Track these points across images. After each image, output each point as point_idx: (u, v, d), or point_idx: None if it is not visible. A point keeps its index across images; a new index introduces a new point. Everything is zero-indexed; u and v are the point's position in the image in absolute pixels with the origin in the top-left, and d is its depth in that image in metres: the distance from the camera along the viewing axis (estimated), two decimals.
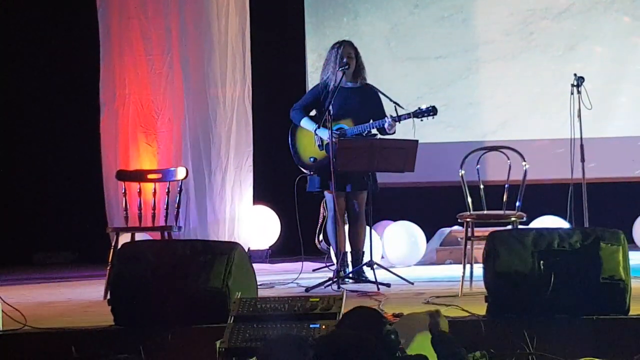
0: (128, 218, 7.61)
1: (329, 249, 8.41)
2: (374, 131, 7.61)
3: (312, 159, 7.69)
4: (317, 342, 4.54)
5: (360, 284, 7.44)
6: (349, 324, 4.76)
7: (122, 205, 7.73)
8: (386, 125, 7.50)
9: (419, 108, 7.53)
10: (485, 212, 7.08)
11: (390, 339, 4.63)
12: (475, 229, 7.03)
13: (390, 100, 7.57)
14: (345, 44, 7.69)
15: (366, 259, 7.54)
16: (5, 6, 10.39)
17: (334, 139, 7.36)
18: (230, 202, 9.34)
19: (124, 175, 7.92)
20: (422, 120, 7.55)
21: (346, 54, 7.61)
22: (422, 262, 9.29)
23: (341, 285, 7.20)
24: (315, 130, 7.64)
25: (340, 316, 5.01)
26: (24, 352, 5.47)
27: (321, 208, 8.34)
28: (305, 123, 7.72)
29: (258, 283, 5.98)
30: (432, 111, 7.53)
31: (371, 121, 7.57)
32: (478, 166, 7.19)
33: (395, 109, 7.52)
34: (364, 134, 7.57)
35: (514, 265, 5.33)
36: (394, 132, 7.59)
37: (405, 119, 7.50)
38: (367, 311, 4.91)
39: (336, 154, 7.20)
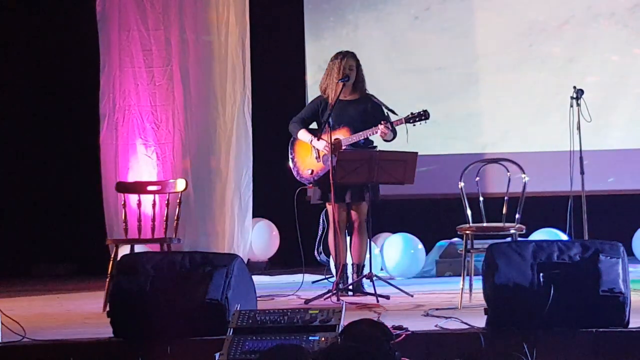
0: (127, 230, 7.61)
1: (329, 261, 8.41)
2: (372, 138, 7.60)
3: (309, 171, 7.70)
4: (319, 354, 4.54)
5: (359, 296, 7.43)
6: (353, 335, 4.76)
7: (121, 217, 7.73)
8: (379, 133, 7.49)
9: (411, 113, 7.52)
10: (484, 224, 7.08)
11: (393, 355, 4.63)
12: (475, 241, 7.02)
13: (385, 107, 7.57)
14: (348, 55, 7.69)
15: (365, 271, 7.54)
16: (5, 17, 10.41)
17: (329, 150, 7.40)
18: (230, 213, 9.35)
19: (124, 187, 7.92)
20: (414, 125, 7.51)
21: (347, 67, 7.62)
22: (421, 274, 9.29)
23: (340, 298, 7.19)
24: (311, 142, 7.66)
25: (341, 327, 5.01)
26: None
27: (320, 220, 8.34)
28: (302, 135, 7.74)
29: (257, 295, 5.98)
30: (423, 115, 7.49)
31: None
32: (478, 178, 7.19)
33: (388, 116, 7.53)
34: (361, 144, 7.56)
35: (514, 278, 5.32)
36: (392, 138, 7.58)
37: (397, 125, 7.50)
38: (373, 324, 4.91)
39: (335, 166, 7.21)
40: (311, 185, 7.79)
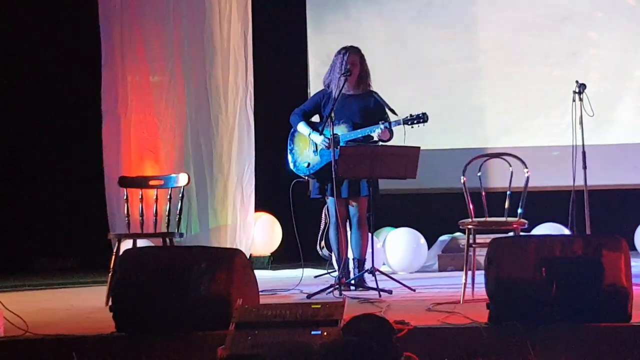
0: (130, 224, 7.61)
1: (331, 256, 8.42)
2: (373, 135, 7.59)
3: (306, 164, 7.71)
4: (321, 348, 4.54)
5: (362, 290, 7.44)
6: (356, 329, 4.76)
7: (124, 212, 7.74)
8: (375, 133, 7.48)
9: (410, 115, 7.52)
10: (487, 219, 7.08)
11: (397, 350, 4.63)
12: (477, 235, 7.02)
13: (387, 106, 7.58)
14: (351, 50, 7.70)
15: (368, 265, 7.54)
16: (7, 12, 10.41)
17: (326, 145, 7.40)
18: (232, 208, 9.35)
19: (126, 182, 7.92)
20: (412, 127, 7.51)
21: (350, 61, 7.63)
22: (423, 269, 9.29)
23: (343, 292, 7.20)
24: (309, 135, 7.67)
25: (343, 322, 5.01)
26: (25, 358, 5.46)
27: (322, 214, 8.35)
28: (302, 127, 7.75)
29: (260, 290, 5.98)
30: (422, 118, 7.49)
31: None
32: (480, 173, 7.19)
33: (388, 116, 7.54)
34: (359, 139, 7.56)
35: (516, 273, 5.32)
36: (388, 139, 7.58)
37: (395, 125, 7.50)
38: (376, 318, 4.91)
39: (338, 161, 7.21)
40: (307, 177, 7.80)
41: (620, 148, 9.97)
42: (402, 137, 7.49)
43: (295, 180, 7.83)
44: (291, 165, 7.81)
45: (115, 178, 8.59)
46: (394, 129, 7.53)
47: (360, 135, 7.55)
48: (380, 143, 7.58)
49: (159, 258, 5.69)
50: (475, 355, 5.13)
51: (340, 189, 7.57)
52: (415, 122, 7.48)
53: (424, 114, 7.49)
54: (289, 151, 7.83)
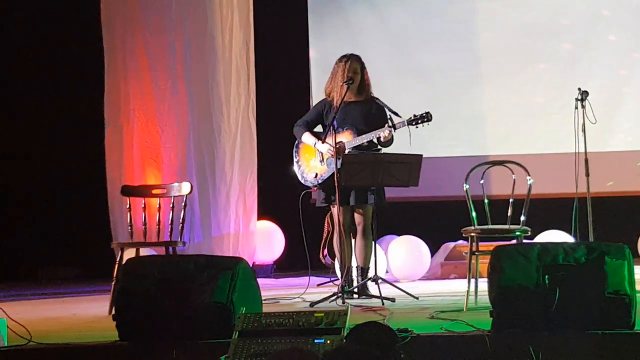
0: (133, 233, 7.61)
1: (334, 264, 8.42)
2: (376, 140, 7.58)
3: (313, 174, 7.71)
4: (324, 357, 4.54)
5: (364, 298, 7.43)
6: (359, 338, 4.77)
7: (126, 221, 7.74)
8: (381, 135, 7.47)
9: (414, 115, 7.51)
10: (489, 226, 7.08)
11: (400, 358, 4.63)
12: (480, 243, 7.02)
13: (389, 109, 7.57)
14: (352, 58, 7.69)
15: (371, 273, 7.54)
16: (9, 20, 10.43)
17: (332, 153, 7.41)
18: (235, 216, 9.35)
19: (129, 191, 7.93)
20: (417, 127, 7.50)
21: (352, 69, 7.63)
22: (426, 277, 9.28)
23: (346, 300, 7.19)
24: (314, 145, 7.66)
25: (346, 330, 5.01)
26: None
27: (325, 223, 8.34)
28: (306, 138, 7.74)
29: (263, 298, 5.98)
30: (425, 117, 7.48)
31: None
32: (482, 180, 7.19)
33: (391, 118, 7.53)
34: (364, 145, 7.55)
35: (519, 280, 5.32)
36: (387, 145, 7.56)
37: (400, 127, 7.49)
38: (379, 327, 4.91)
39: (340, 169, 7.21)
40: (315, 188, 7.80)
41: (623, 155, 9.96)
42: (408, 139, 7.47)
43: (304, 191, 7.82)
44: (299, 177, 7.81)
45: (117, 187, 8.59)
46: (397, 131, 7.52)
47: (365, 141, 7.55)
48: (383, 151, 7.58)
49: (161, 267, 5.70)
50: None
51: (347, 197, 7.56)
52: (419, 122, 7.48)
53: (427, 112, 7.48)
54: (295, 163, 7.83)
